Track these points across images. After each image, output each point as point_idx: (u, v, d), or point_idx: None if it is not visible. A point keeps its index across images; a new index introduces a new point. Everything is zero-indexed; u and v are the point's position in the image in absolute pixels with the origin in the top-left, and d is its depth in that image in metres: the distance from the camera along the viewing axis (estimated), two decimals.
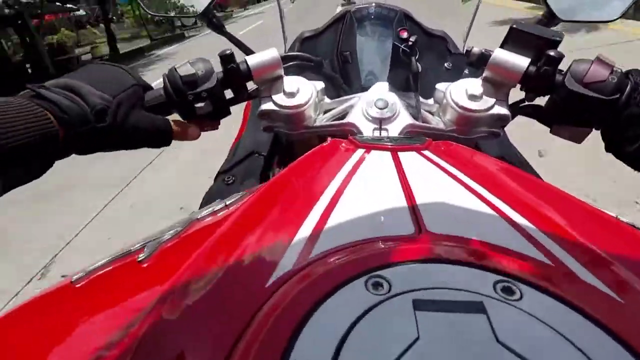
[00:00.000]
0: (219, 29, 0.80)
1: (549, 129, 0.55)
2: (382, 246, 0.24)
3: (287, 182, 0.36)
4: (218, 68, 0.57)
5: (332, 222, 0.27)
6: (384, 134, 0.55)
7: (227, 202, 0.34)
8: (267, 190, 0.33)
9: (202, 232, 0.30)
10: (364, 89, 0.65)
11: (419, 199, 0.30)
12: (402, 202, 0.29)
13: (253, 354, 0.18)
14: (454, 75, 0.76)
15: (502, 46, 0.54)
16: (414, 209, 0.28)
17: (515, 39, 0.53)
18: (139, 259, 0.28)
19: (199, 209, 0.61)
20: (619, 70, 0.47)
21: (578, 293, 0.20)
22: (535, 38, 0.52)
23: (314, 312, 0.19)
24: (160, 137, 0.54)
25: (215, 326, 0.20)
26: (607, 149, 0.50)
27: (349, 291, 0.20)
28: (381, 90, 0.61)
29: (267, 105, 0.58)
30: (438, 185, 0.33)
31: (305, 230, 0.26)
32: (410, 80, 0.61)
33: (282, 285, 0.21)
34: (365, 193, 0.32)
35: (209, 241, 0.27)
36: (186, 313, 0.21)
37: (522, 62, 0.51)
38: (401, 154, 0.39)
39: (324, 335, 0.18)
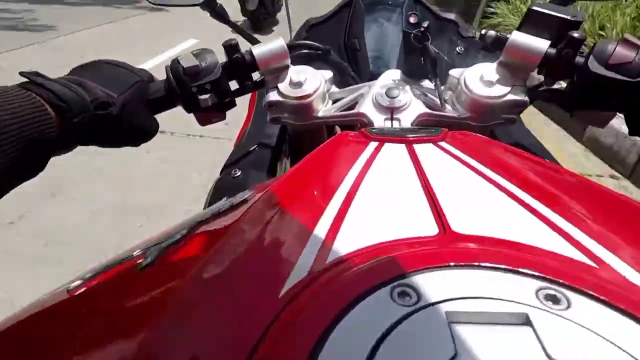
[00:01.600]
0: (223, 17, 0.78)
1: (570, 115, 0.52)
2: (405, 250, 0.22)
3: (297, 180, 0.34)
4: (222, 58, 0.55)
5: (348, 223, 0.25)
6: (395, 124, 0.53)
7: (234, 202, 0.32)
8: (277, 189, 0.31)
9: (207, 237, 0.28)
10: (373, 77, 0.63)
11: (441, 196, 0.28)
12: (422, 199, 0.27)
13: None
14: (466, 60, 0.73)
15: (519, 28, 0.51)
16: (436, 206, 0.26)
17: (533, 20, 0.50)
18: (141, 266, 0.26)
19: (205, 204, 0.60)
20: None
21: (629, 297, 0.18)
22: (555, 19, 0.49)
23: (335, 326, 0.17)
24: (146, 137, 0.53)
25: (224, 342, 0.18)
26: (632, 133, 0.48)
27: (372, 302, 0.18)
28: (392, 78, 0.59)
29: (273, 96, 0.56)
30: (459, 179, 0.31)
31: (320, 232, 0.24)
32: (421, 68, 0.59)
33: (297, 295, 0.19)
34: (381, 190, 0.30)
35: (215, 247, 0.25)
36: (192, 326, 0.20)
37: (541, 44, 0.49)
38: (417, 146, 0.37)
39: (347, 353, 0.16)
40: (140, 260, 0.27)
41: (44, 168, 0.42)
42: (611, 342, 0.16)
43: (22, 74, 0.41)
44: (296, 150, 0.71)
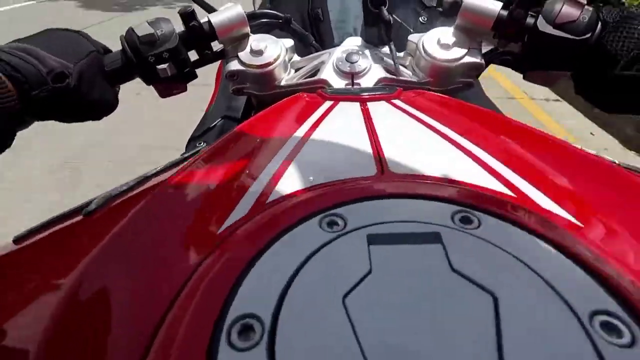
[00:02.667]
0: None
1: (522, 76, 0.54)
2: (340, 187, 0.23)
3: (248, 132, 0.34)
4: (180, 28, 0.54)
5: (292, 168, 0.26)
6: (353, 87, 0.53)
7: (186, 155, 0.33)
8: (227, 141, 0.32)
9: (154, 184, 0.29)
10: (337, 45, 0.63)
11: (385, 144, 0.29)
12: (366, 147, 0.28)
13: (198, 298, 0.17)
14: (429, 28, 0.74)
15: None
16: (378, 153, 0.27)
17: None
18: (85, 212, 0.26)
19: None
20: (589, 9, 0.46)
21: (537, 220, 0.20)
22: None
23: (264, 253, 0.18)
24: (108, 109, 0.52)
25: (161, 274, 0.19)
26: (577, 91, 0.50)
27: (301, 231, 0.19)
28: (353, 44, 0.59)
29: (234, 65, 0.55)
30: (406, 131, 0.32)
31: (264, 177, 0.25)
32: (381, 34, 0.59)
33: (234, 230, 0.20)
34: (329, 141, 0.31)
35: (158, 190, 0.25)
36: (132, 262, 0.20)
37: (494, 6, 0.50)
38: (370, 104, 0.38)
39: (271, 274, 0.17)
40: (86, 208, 0.27)
41: (11, 144, 0.41)
42: (513, 256, 0.17)
43: None
44: None
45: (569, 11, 0.46)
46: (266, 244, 0.18)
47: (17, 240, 0.27)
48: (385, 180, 0.23)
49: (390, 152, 0.27)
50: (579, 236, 0.19)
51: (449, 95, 0.63)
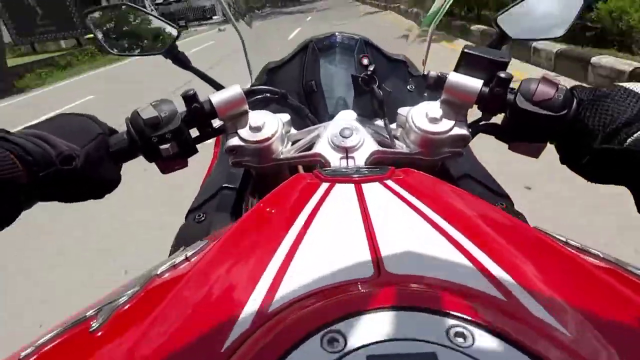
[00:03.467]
0: (185, 64, 0.81)
1: (508, 146, 0.57)
2: (339, 295, 0.24)
3: (248, 227, 0.36)
4: (182, 108, 0.57)
5: (293, 269, 0.27)
6: (350, 162, 0.56)
7: (188, 254, 0.34)
8: (229, 238, 0.33)
9: (159, 292, 0.29)
10: (331, 117, 0.66)
11: (380, 237, 0.30)
12: (363, 242, 0.29)
13: None
14: (417, 96, 0.78)
15: (456, 69, 0.56)
16: (374, 248, 0.28)
17: (467, 62, 0.55)
18: (92, 328, 0.27)
19: (170, 251, 0.61)
20: (564, 88, 0.50)
21: (527, 331, 0.21)
22: (485, 60, 0.54)
23: None
24: (111, 188, 0.55)
25: None
26: (562, 161, 0.53)
27: (303, 352, 0.20)
28: (346, 118, 0.62)
29: (233, 141, 0.58)
30: (399, 219, 0.33)
31: (266, 280, 0.26)
32: (374, 107, 0.63)
33: (238, 348, 0.21)
34: (327, 233, 0.32)
35: (163, 305, 0.26)
36: None
37: (475, 84, 0.53)
38: (364, 186, 0.40)
39: None
40: (93, 322, 0.27)
41: (14, 220, 0.42)
42: None
43: None
44: (261, 191, 0.73)
45: (545, 89, 0.49)
46: None
47: (23, 358, 0.27)
48: (382, 286, 0.24)
49: (386, 248, 0.28)
50: (568, 348, 0.20)
51: (441, 163, 0.66)
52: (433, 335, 0.20)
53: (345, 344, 0.20)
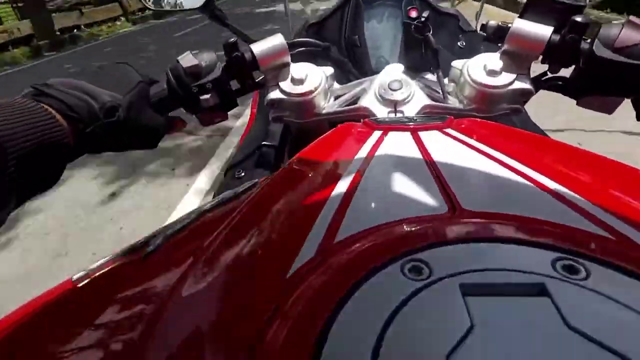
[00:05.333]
0: (222, 21, 0.78)
1: (576, 102, 0.51)
2: (415, 227, 0.21)
3: (300, 167, 0.33)
4: (223, 58, 0.55)
5: (355, 204, 0.24)
6: (399, 116, 0.52)
7: (238, 191, 0.32)
8: (281, 177, 0.30)
9: (211, 223, 0.27)
10: (375, 73, 0.62)
11: (448, 176, 0.27)
12: (429, 181, 0.27)
13: (279, 354, 0.15)
14: (468, 53, 0.73)
15: (521, 16, 0.51)
16: (444, 186, 0.26)
17: (535, 7, 0.50)
18: (144, 255, 0.25)
19: None
20: None
21: None
22: (557, 4, 0.48)
23: (345, 304, 0.16)
24: (158, 137, 0.53)
25: (233, 327, 0.18)
26: (639, 118, 0.47)
27: (382, 279, 0.17)
28: (394, 71, 0.58)
29: (274, 94, 0.55)
30: (467, 161, 0.30)
31: (327, 214, 0.23)
32: (423, 60, 0.58)
33: (304, 276, 0.19)
34: (387, 174, 0.29)
35: (218, 232, 0.24)
36: (198, 313, 0.19)
37: (544, 31, 0.48)
38: (422, 134, 0.37)
39: (359, 329, 0.15)
40: (144, 250, 0.26)
41: (60, 178, 0.42)
42: (632, 309, 0.15)
43: (32, 86, 0.41)
44: (299, 149, 0.71)
45: (629, 34, 0.43)
46: (345, 294, 0.17)
47: (75, 280, 0.26)
48: (463, 220, 0.21)
49: (457, 186, 0.25)
50: None
51: (495, 121, 0.61)
52: (536, 266, 0.17)
53: (431, 272, 0.17)
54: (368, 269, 0.18)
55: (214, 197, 0.61)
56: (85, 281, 0.25)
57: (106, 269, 0.26)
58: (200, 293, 0.20)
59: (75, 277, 0.26)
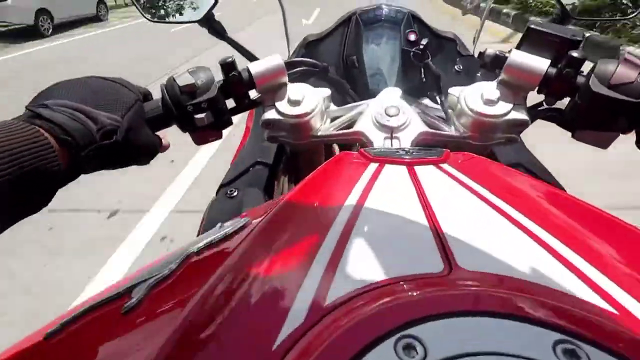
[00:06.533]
0: (221, 34, 0.77)
1: (571, 134, 0.51)
2: (410, 292, 0.20)
3: (295, 207, 0.33)
4: (219, 76, 0.54)
5: (347, 258, 0.23)
6: (395, 143, 0.52)
7: (228, 232, 0.31)
8: (273, 219, 0.30)
9: (197, 274, 0.26)
10: (372, 94, 0.62)
11: (445, 226, 0.26)
12: (425, 230, 0.26)
13: None
14: (465, 78, 0.73)
15: (518, 47, 0.51)
16: (440, 238, 0.25)
17: (533, 39, 0.50)
18: (125, 309, 0.24)
19: (200, 226, 0.59)
20: None
21: None
22: (554, 38, 0.49)
23: None
24: (151, 155, 0.52)
25: None
26: None
27: (375, 358, 0.16)
28: (391, 96, 0.58)
29: (270, 114, 0.55)
30: (464, 207, 0.30)
31: (317, 270, 0.23)
32: (421, 86, 0.58)
33: (292, 347, 0.18)
34: (382, 219, 0.28)
35: (203, 291, 0.23)
36: None
37: (541, 64, 0.48)
38: (418, 168, 0.36)
39: None
40: (125, 301, 0.25)
41: (50, 202, 0.40)
42: None
43: (27, 107, 0.40)
44: (294, 169, 0.70)
45: (625, 72, 0.44)
46: None
47: (48, 337, 0.24)
48: (459, 285, 0.21)
49: (454, 240, 0.25)
50: None
51: (490, 150, 0.61)
52: (537, 351, 0.16)
53: (426, 353, 0.16)
54: (361, 346, 0.17)
55: (204, 215, 0.60)
56: (59, 337, 0.24)
57: (82, 323, 0.25)
58: None
59: (47, 333, 0.25)
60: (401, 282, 0.21)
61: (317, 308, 0.20)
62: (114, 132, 0.43)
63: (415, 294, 0.20)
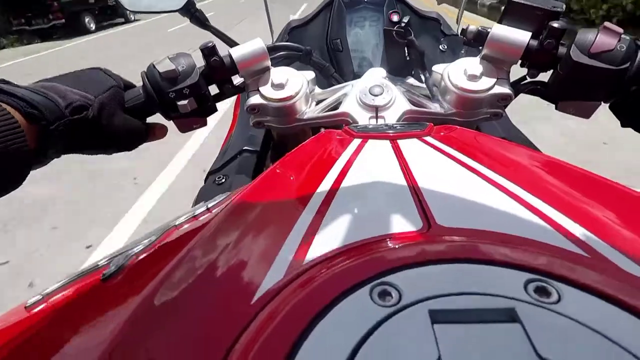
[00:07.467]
0: (203, 23, 0.76)
1: (555, 106, 0.52)
2: (387, 246, 0.20)
3: (275, 178, 0.33)
4: (200, 62, 0.53)
5: (328, 221, 0.24)
6: (380, 122, 0.52)
7: (210, 205, 0.31)
8: (254, 189, 0.30)
9: (178, 242, 0.26)
10: (357, 76, 0.62)
11: (425, 189, 0.27)
12: (406, 194, 0.26)
13: None
14: (450, 57, 0.73)
15: (500, 21, 0.51)
16: (420, 200, 0.25)
17: (513, 12, 0.50)
18: (104, 276, 0.24)
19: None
20: (628, 38, 0.44)
21: (622, 287, 0.17)
22: (535, 10, 0.49)
23: (310, 332, 0.16)
24: (134, 141, 0.51)
25: (195, 354, 0.17)
26: (624, 124, 0.48)
27: (350, 304, 0.17)
28: (375, 76, 0.58)
29: (255, 99, 0.55)
30: (444, 172, 0.30)
31: (298, 232, 0.23)
32: (404, 65, 0.58)
33: (271, 300, 0.18)
34: (364, 186, 0.28)
35: (183, 252, 0.23)
36: (158, 338, 0.18)
37: (523, 36, 0.48)
38: (401, 142, 0.36)
39: (324, 359, 0.15)
40: (105, 271, 0.25)
41: (23, 181, 0.39)
42: (604, 336, 0.15)
43: None
44: (281, 154, 0.70)
45: (605, 40, 0.44)
46: (311, 321, 0.16)
47: (29, 306, 0.24)
48: (436, 239, 0.21)
49: (433, 200, 0.25)
50: None
51: (476, 126, 0.61)
52: (507, 289, 0.16)
53: (400, 297, 0.16)
54: (335, 294, 0.17)
55: (193, 203, 0.60)
56: (40, 307, 0.24)
57: (63, 293, 0.25)
58: (162, 319, 0.19)
59: (29, 303, 0.25)
60: (380, 239, 0.21)
61: (296, 265, 0.20)
62: (85, 109, 0.42)
63: (393, 246, 0.20)
